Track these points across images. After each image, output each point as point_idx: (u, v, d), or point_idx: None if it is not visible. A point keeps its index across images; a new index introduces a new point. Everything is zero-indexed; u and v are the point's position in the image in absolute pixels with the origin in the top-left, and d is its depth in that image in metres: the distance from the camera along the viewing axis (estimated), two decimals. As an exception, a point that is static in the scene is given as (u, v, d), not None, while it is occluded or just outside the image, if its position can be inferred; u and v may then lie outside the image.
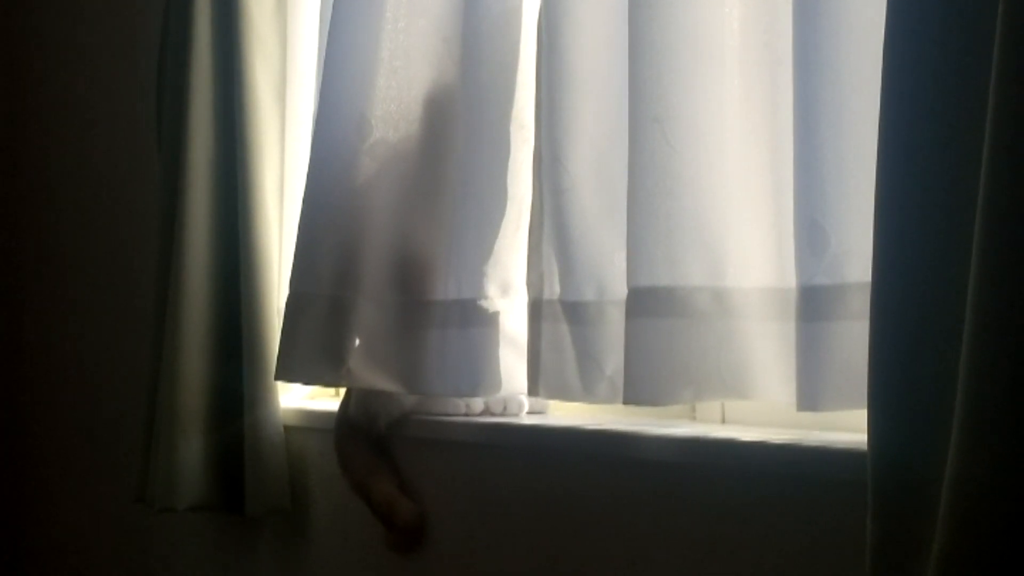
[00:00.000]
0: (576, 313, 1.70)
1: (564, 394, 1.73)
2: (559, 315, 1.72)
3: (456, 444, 1.91)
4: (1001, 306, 1.09)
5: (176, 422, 2.25)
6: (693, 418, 1.82)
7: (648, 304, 1.56)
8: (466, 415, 1.93)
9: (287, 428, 2.21)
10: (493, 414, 1.92)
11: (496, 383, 1.86)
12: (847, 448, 1.40)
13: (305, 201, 2.01)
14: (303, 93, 2.31)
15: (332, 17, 1.99)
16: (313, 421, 2.19)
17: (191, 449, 2.24)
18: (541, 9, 1.77)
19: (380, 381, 1.92)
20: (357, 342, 1.93)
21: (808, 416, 1.48)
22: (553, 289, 1.74)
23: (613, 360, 1.65)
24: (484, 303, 1.87)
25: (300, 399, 2.30)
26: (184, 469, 2.24)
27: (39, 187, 3.15)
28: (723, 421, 1.79)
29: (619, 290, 1.63)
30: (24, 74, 3.21)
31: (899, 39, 1.23)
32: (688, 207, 1.54)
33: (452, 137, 1.89)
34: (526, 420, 1.89)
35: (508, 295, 1.88)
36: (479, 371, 1.86)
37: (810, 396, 1.43)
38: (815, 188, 1.43)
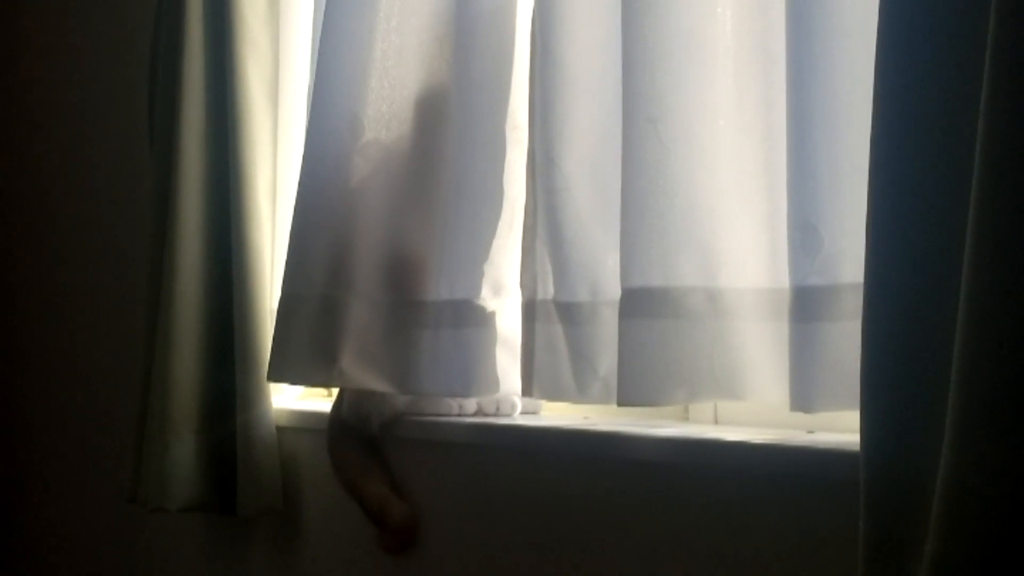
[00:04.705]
0: (570, 313, 1.70)
1: (558, 394, 1.73)
2: (553, 315, 1.72)
3: (449, 444, 1.91)
4: (993, 306, 1.09)
5: (168, 422, 2.24)
6: (686, 419, 1.82)
7: (641, 305, 1.56)
8: (459, 415, 1.93)
9: (279, 428, 2.21)
10: (486, 414, 1.92)
11: (489, 383, 1.86)
12: (840, 449, 1.40)
13: (298, 201, 2.00)
14: (296, 93, 2.31)
15: (324, 17, 1.98)
16: (305, 421, 2.19)
17: (183, 449, 2.24)
18: (535, 9, 1.77)
19: (372, 381, 1.92)
20: (349, 343, 1.93)
21: (801, 416, 1.48)
22: (547, 289, 1.74)
23: (607, 360, 1.65)
24: (477, 303, 1.87)
25: (292, 400, 2.30)
26: (176, 469, 2.23)
27: (33, 187, 3.15)
28: (716, 422, 1.79)
29: (613, 290, 1.63)
30: (18, 74, 3.20)
31: (892, 39, 1.24)
32: (681, 207, 1.54)
33: (445, 137, 1.89)
34: (519, 420, 1.89)
35: (501, 295, 1.88)
36: (472, 371, 1.86)
37: (803, 396, 1.43)
38: (808, 188, 1.43)
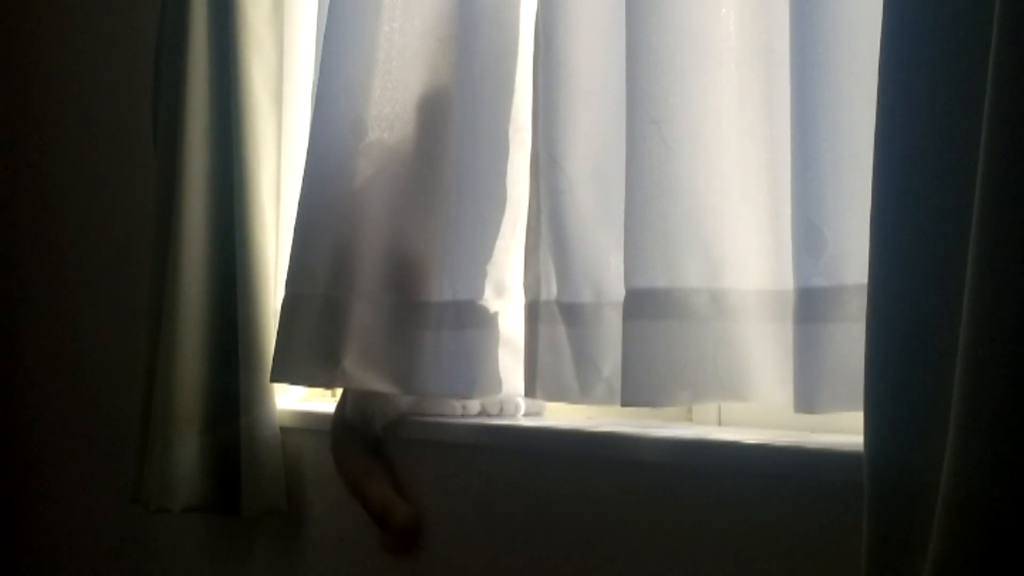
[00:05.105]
0: (573, 315, 1.70)
1: (561, 395, 1.73)
2: (556, 316, 1.72)
3: (452, 445, 1.91)
4: (997, 307, 1.09)
5: (172, 423, 2.24)
6: (690, 420, 1.82)
7: (645, 306, 1.56)
8: (462, 416, 1.93)
9: (283, 429, 2.21)
10: (489, 415, 1.92)
11: (492, 384, 1.86)
12: (843, 450, 1.40)
13: (301, 202, 2.01)
14: (299, 94, 2.31)
15: (328, 18, 1.98)
16: (309, 422, 2.19)
17: (187, 450, 2.24)
18: (538, 10, 1.77)
19: (375, 382, 1.92)
20: (352, 343, 1.93)
21: (805, 418, 1.48)
22: (550, 290, 1.74)
23: (610, 362, 1.65)
24: (480, 304, 1.87)
25: (296, 400, 2.30)
26: (180, 470, 2.23)
27: (37, 187, 3.15)
28: (719, 423, 1.79)
29: (616, 291, 1.63)
30: (21, 74, 3.20)
31: (896, 40, 1.23)
32: (685, 209, 1.54)
33: (448, 138, 1.89)
34: (522, 421, 1.89)
35: (504, 296, 1.88)
36: (475, 372, 1.86)
37: (807, 398, 1.43)
38: (812, 190, 1.43)
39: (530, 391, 1.76)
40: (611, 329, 1.65)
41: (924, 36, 1.22)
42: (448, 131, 1.89)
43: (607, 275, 1.68)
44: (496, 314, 1.87)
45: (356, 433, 2.01)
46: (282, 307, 2.02)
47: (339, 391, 2.09)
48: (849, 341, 1.39)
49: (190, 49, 2.29)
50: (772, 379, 1.53)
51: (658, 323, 1.55)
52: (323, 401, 2.31)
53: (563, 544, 1.74)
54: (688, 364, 1.53)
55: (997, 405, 1.09)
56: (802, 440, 1.51)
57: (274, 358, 2.02)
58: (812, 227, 1.43)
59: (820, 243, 1.43)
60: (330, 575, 2.16)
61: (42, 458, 3.09)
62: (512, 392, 1.87)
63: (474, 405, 1.93)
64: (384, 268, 1.93)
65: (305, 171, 2.00)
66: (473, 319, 1.87)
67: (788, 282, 1.49)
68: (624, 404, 1.57)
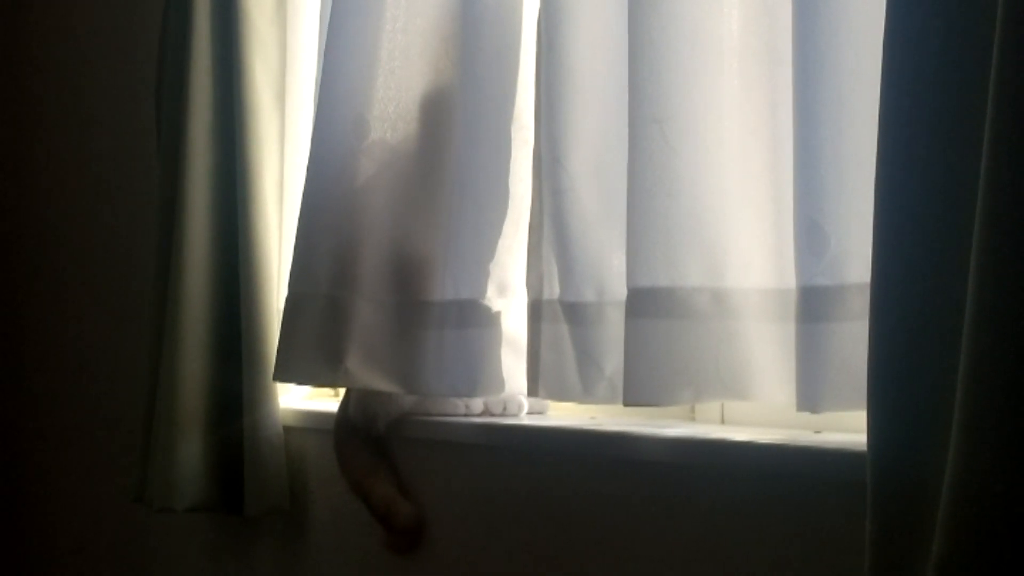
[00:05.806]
0: (576, 314, 1.70)
1: (563, 395, 1.73)
2: (559, 315, 1.72)
3: (455, 445, 1.91)
4: (1000, 306, 1.09)
5: (175, 422, 2.24)
6: (692, 419, 1.82)
7: (648, 305, 1.55)
8: (465, 415, 1.93)
9: (286, 429, 2.21)
10: (492, 415, 1.92)
11: (495, 383, 1.86)
12: (846, 449, 1.40)
13: (304, 202, 2.01)
14: (302, 94, 2.31)
15: (331, 18, 1.99)
16: (312, 422, 2.19)
17: (190, 449, 2.24)
18: (541, 9, 1.77)
19: (378, 381, 1.92)
20: (355, 343, 1.93)
21: (807, 417, 1.48)
22: (553, 289, 1.74)
23: (613, 361, 1.65)
24: (482, 303, 1.87)
25: (300, 399, 2.30)
26: (183, 469, 2.24)
27: (39, 187, 3.15)
28: (722, 422, 1.79)
29: (619, 291, 1.63)
30: (25, 73, 3.21)
31: (899, 39, 1.23)
32: (688, 208, 1.54)
33: (451, 137, 1.89)
34: (525, 420, 1.89)
35: (507, 295, 1.88)
36: (477, 371, 1.86)
37: (809, 397, 1.43)
38: (815, 188, 1.43)
39: (532, 390, 1.76)
40: (613, 328, 1.65)
41: (926, 35, 1.22)
42: (451, 130, 1.89)
43: (609, 274, 1.68)
44: (499, 313, 1.87)
45: (359, 432, 2.01)
46: (285, 306, 2.02)
47: (342, 390, 2.09)
48: (852, 340, 1.39)
49: (193, 49, 2.29)
50: (775, 378, 1.53)
51: (660, 322, 1.55)
52: (326, 400, 2.31)
53: (566, 543, 1.74)
54: (690, 363, 1.53)
55: (1000, 404, 1.09)
56: (805, 439, 1.51)
57: (277, 357, 2.02)
58: (814, 226, 1.43)
59: (822, 242, 1.43)
60: (333, 574, 2.16)
61: (46, 458, 3.09)
62: (515, 391, 1.87)
63: (477, 404, 1.93)
64: (387, 267, 1.93)
65: (308, 171, 2.00)
66: (476, 318, 1.87)
67: (791, 281, 1.49)
68: (626, 403, 1.57)
